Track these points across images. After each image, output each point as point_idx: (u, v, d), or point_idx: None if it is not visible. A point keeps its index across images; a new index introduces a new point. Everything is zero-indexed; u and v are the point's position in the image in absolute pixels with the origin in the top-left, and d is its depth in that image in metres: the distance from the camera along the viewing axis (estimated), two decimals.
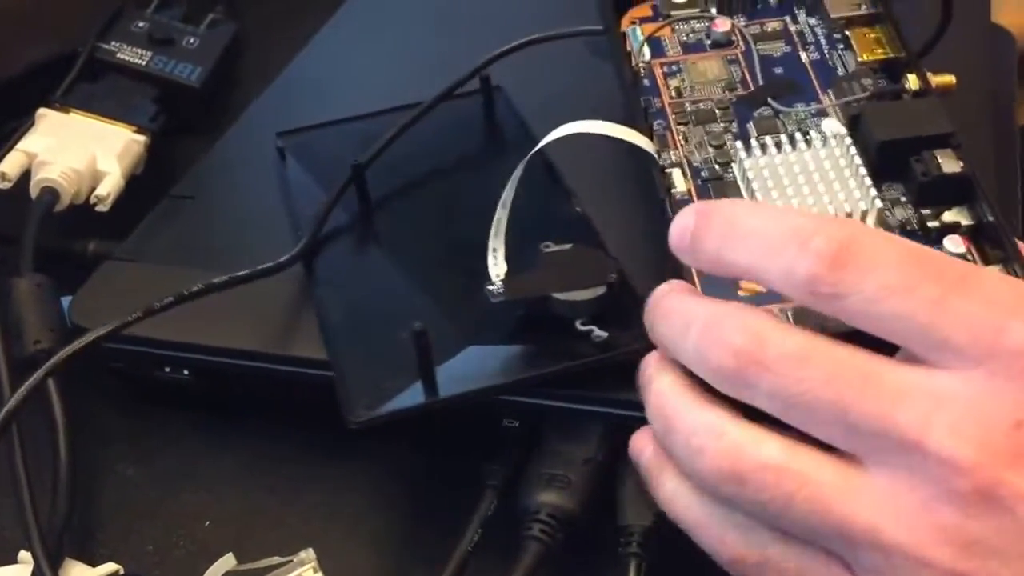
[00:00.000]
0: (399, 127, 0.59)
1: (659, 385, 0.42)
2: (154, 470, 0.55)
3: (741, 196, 0.49)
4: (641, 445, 0.44)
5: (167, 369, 0.55)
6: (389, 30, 0.73)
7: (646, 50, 0.55)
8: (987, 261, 0.45)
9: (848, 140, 0.48)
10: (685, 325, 0.41)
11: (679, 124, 0.52)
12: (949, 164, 0.46)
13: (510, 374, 0.49)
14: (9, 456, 0.51)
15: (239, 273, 0.53)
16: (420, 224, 0.58)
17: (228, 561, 0.48)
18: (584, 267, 0.50)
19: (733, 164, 0.50)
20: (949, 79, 0.52)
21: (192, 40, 0.70)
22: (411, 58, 0.71)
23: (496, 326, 0.50)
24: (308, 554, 0.48)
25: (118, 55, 0.68)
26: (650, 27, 0.56)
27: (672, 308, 0.42)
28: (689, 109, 0.53)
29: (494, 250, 0.52)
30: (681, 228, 0.42)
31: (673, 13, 0.56)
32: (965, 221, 0.46)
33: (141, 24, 0.69)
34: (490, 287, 0.50)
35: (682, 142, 0.52)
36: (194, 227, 0.61)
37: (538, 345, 0.50)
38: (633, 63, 0.55)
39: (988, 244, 0.46)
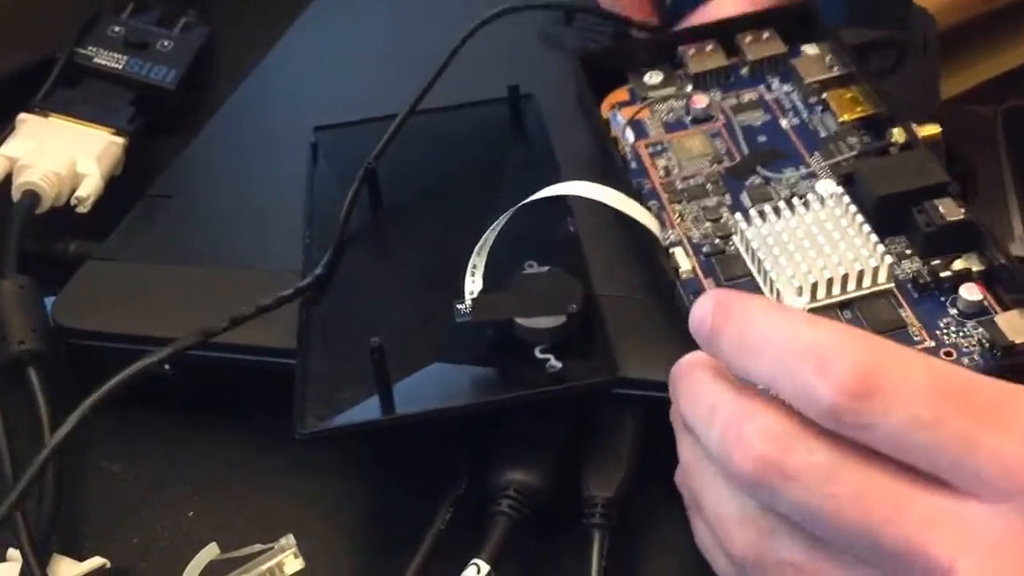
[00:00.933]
0: (396, 124, 0.60)
1: (685, 442, 0.43)
2: (138, 465, 0.56)
3: (747, 268, 0.49)
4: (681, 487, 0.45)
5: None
6: (357, 27, 0.74)
7: (629, 133, 0.56)
8: (1003, 305, 0.46)
9: (846, 198, 0.48)
10: (709, 414, 0.40)
11: (673, 203, 0.52)
12: (952, 212, 0.47)
13: (465, 398, 0.49)
14: None
15: (283, 293, 0.53)
16: (423, 234, 0.58)
17: (212, 551, 0.49)
18: (551, 293, 0.49)
19: (734, 236, 0.50)
20: (935, 130, 0.51)
21: (166, 43, 0.71)
22: (379, 53, 0.72)
23: (466, 345, 0.50)
24: (288, 540, 0.49)
25: (95, 60, 0.69)
26: (630, 110, 0.56)
27: (696, 390, 0.41)
28: (680, 187, 0.53)
29: (474, 267, 0.52)
30: (699, 319, 0.41)
31: (650, 94, 0.57)
32: (976, 267, 0.47)
33: (117, 29, 0.71)
34: (459, 306, 0.50)
35: (679, 220, 0.52)
36: (173, 225, 0.62)
37: (498, 369, 0.50)
38: (620, 148, 0.55)
39: (1001, 288, 0.46)
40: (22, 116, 0.65)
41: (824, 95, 0.54)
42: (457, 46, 0.62)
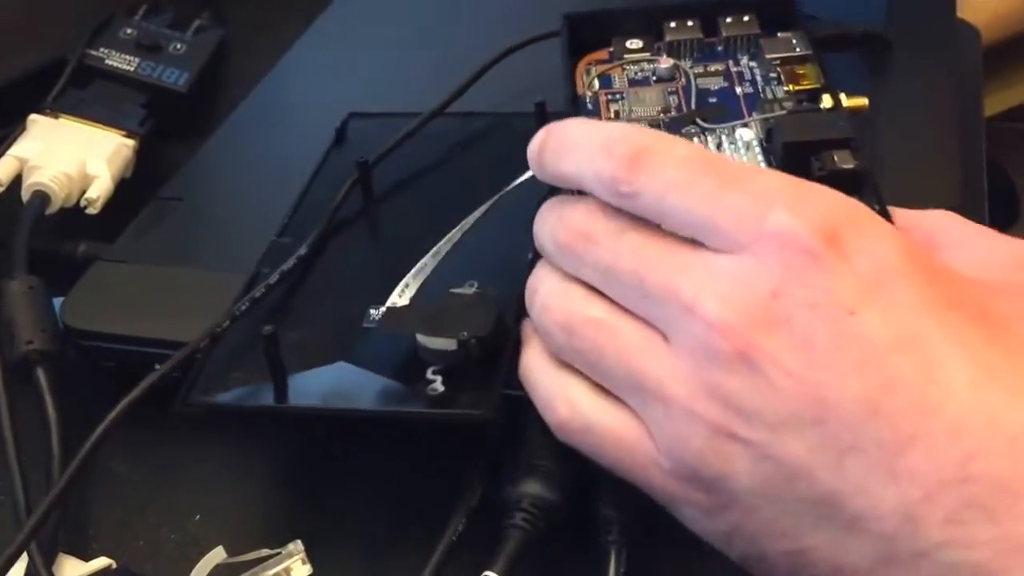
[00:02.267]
0: (406, 132, 0.61)
1: (536, 270, 0.48)
2: (145, 467, 0.56)
3: None
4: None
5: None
6: (372, 32, 0.74)
7: (596, 82, 0.57)
8: None
9: (755, 143, 0.51)
10: (546, 218, 0.47)
11: None
12: (844, 161, 0.48)
13: (347, 402, 0.49)
14: (3, 453, 0.52)
15: (270, 281, 0.54)
16: (400, 236, 0.58)
17: (218, 554, 0.49)
18: (459, 317, 0.49)
19: None
20: (861, 102, 0.54)
21: (179, 46, 0.71)
22: (394, 59, 0.72)
23: (372, 352, 0.50)
24: (296, 546, 0.49)
25: (107, 61, 0.69)
26: (603, 67, 0.59)
27: (543, 208, 0.48)
28: None
29: (406, 285, 0.52)
30: (532, 147, 0.48)
31: (626, 56, 0.59)
32: None
33: (129, 31, 0.71)
34: (372, 311, 0.51)
35: None
36: (182, 228, 0.62)
37: (391, 382, 0.50)
38: (580, 92, 0.57)
39: None
40: (33, 117, 0.66)
41: (780, 69, 0.57)
42: (488, 64, 0.63)
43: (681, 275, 0.41)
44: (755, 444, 0.39)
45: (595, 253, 0.44)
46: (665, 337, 0.42)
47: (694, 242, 0.42)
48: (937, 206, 0.49)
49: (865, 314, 0.38)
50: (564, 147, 0.46)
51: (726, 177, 0.42)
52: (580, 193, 0.47)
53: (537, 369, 0.47)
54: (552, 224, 0.46)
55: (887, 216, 0.47)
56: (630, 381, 0.42)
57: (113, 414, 0.49)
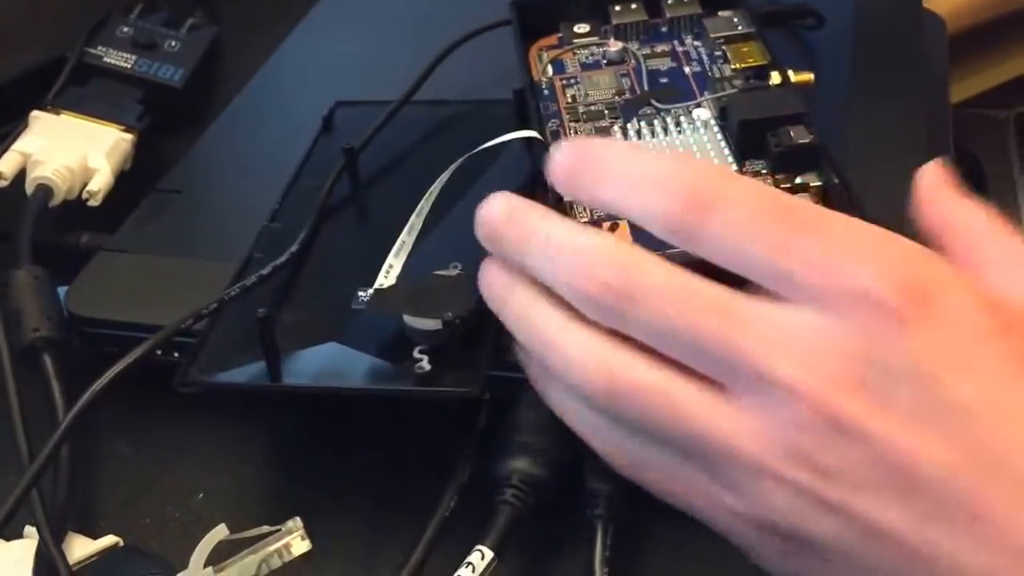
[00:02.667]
0: (384, 117, 0.63)
1: (521, 298, 0.44)
2: (149, 447, 0.57)
3: None
4: (524, 359, 0.46)
5: (159, 352, 0.55)
6: (362, 26, 0.76)
7: (549, 68, 0.59)
8: None
9: (713, 122, 0.53)
10: (546, 247, 0.43)
11: (571, 122, 0.56)
12: (800, 136, 0.50)
13: (339, 382, 0.50)
14: (13, 436, 0.53)
15: (263, 271, 0.54)
16: (385, 221, 0.57)
17: (221, 531, 0.49)
18: (444, 297, 0.50)
19: None
20: (808, 77, 0.56)
21: (174, 43, 0.73)
22: (385, 53, 0.74)
23: (362, 333, 0.51)
24: (295, 523, 0.50)
25: (105, 59, 0.71)
26: (554, 52, 0.60)
27: (529, 226, 0.44)
28: (581, 111, 0.56)
29: (390, 266, 0.53)
30: (559, 165, 0.44)
31: (575, 40, 0.60)
32: (814, 183, 0.50)
33: (126, 30, 0.72)
34: (360, 293, 0.52)
35: (573, 136, 0.55)
36: (181, 219, 0.64)
37: (381, 361, 0.50)
38: (536, 78, 0.59)
39: (836, 204, 0.48)
40: (35, 113, 0.67)
41: (725, 48, 0.58)
42: (449, 48, 0.66)
43: (744, 329, 0.38)
44: (840, 505, 0.38)
45: (639, 314, 0.40)
46: (724, 389, 0.39)
47: (746, 291, 0.40)
48: (905, 193, 0.50)
49: (952, 380, 0.37)
50: (603, 174, 0.42)
51: (797, 220, 0.39)
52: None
53: (576, 411, 0.44)
54: (569, 269, 0.41)
55: (849, 187, 0.48)
56: (694, 446, 0.40)
57: (103, 381, 0.50)
